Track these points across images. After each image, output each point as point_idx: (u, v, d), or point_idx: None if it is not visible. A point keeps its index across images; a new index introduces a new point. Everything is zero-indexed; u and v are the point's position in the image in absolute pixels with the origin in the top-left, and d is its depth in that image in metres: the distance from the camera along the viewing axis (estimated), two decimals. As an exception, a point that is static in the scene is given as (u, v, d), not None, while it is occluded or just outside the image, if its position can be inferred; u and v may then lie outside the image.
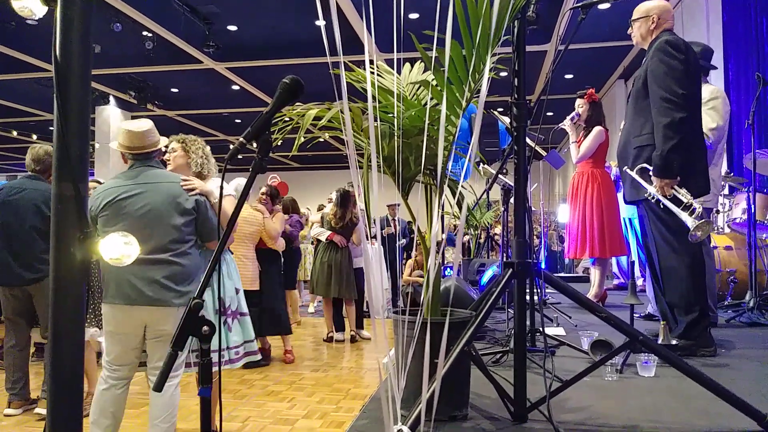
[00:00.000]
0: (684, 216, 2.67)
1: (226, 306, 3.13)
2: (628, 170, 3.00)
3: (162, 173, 2.70)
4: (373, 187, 1.50)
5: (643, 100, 2.96)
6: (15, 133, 15.08)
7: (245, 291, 3.46)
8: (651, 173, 2.84)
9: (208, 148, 3.03)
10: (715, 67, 4.29)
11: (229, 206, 2.91)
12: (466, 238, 9.76)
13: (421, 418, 1.62)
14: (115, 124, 11.88)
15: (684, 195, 2.73)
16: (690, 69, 2.84)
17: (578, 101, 4.82)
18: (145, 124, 2.71)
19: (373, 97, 1.90)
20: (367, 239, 1.85)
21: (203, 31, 8.21)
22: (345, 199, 5.90)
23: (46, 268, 3.51)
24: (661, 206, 2.81)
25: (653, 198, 2.83)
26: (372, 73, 1.98)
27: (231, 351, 3.13)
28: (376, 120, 2.01)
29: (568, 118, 4.77)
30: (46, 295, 1.35)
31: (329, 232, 5.89)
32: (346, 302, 5.96)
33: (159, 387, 1.20)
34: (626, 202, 3.25)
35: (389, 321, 2.15)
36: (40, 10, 1.09)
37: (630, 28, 3.19)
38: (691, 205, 2.68)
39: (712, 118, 3.65)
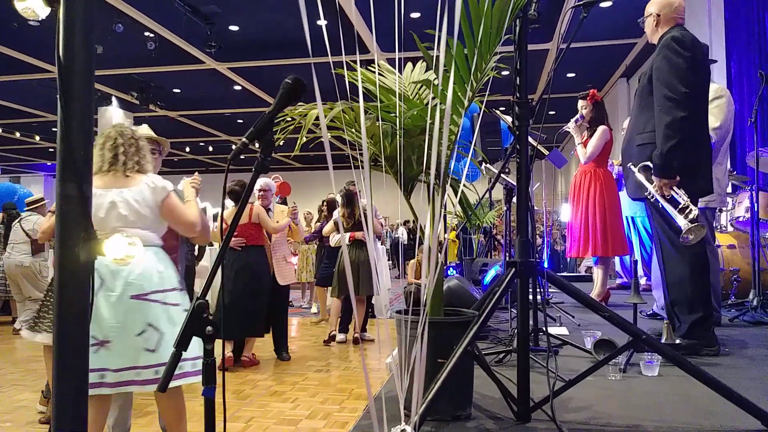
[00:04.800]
0: (679, 218, 2.62)
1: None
2: (632, 167, 2.95)
3: None
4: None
5: (647, 96, 2.92)
6: (18, 134, 15.13)
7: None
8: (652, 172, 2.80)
9: (116, 139, 2.32)
10: (714, 61, 4.28)
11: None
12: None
13: (415, 415, 1.62)
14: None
15: (682, 196, 2.67)
16: (696, 66, 2.78)
17: (581, 102, 4.82)
18: None
19: (376, 97, 1.90)
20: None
21: (205, 31, 8.22)
22: (350, 198, 5.95)
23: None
24: (661, 205, 2.77)
25: (652, 197, 2.79)
26: (372, 68, 1.98)
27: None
28: (377, 118, 2.01)
29: (572, 120, 4.77)
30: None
31: (349, 234, 5.93)
32: (358, 301, 5.93)
33: (163, 388, 1.20)
34: (631, 199, 3.23)
35: (391, 321, 2.15)
36: (43, 11, 1.09)
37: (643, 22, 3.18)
38: (688, 206, 2.63)
39: (716, 117, 3.63)
